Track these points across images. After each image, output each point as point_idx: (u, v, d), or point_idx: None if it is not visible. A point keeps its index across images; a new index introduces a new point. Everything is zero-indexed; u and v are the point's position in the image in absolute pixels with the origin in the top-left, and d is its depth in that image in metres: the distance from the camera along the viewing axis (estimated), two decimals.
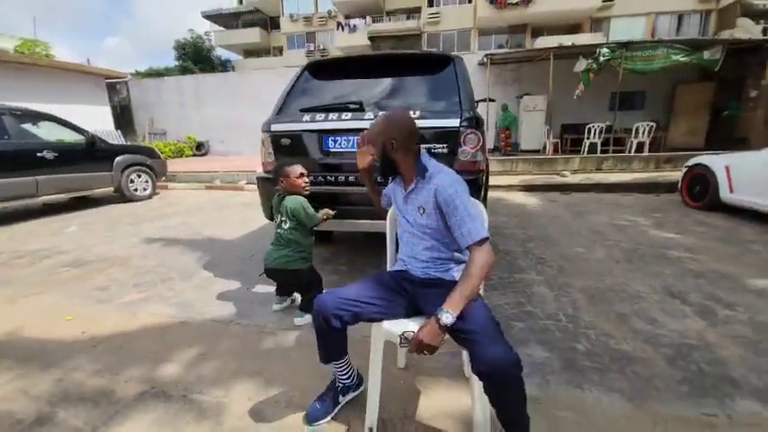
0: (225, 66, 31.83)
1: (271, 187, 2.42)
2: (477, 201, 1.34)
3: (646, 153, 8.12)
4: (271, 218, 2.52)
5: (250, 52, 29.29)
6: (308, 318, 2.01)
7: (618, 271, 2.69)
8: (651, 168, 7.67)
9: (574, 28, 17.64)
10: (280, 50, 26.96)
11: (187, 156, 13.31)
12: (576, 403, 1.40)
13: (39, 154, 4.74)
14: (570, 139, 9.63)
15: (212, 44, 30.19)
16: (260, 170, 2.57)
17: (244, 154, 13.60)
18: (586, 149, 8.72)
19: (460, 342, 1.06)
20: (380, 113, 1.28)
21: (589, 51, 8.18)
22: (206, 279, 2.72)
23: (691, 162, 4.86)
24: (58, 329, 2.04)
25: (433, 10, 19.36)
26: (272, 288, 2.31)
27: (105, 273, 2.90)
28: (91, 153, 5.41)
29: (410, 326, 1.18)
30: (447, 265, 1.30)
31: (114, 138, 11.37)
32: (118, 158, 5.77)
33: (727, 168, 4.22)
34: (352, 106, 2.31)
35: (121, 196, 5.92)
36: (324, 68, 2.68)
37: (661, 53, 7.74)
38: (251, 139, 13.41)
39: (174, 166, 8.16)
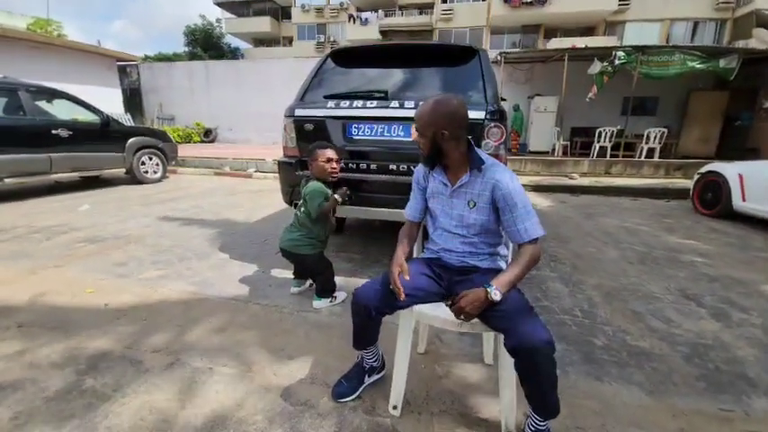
0: (234, 54, 31.72)
1: (292, 172, 2.45)
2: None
3: (656, 159, 8.09)
4: (290, 202, 2.55)
5: (260, 41, 29.20)
6: (325, 301, 2.04)
7: (632, 271, 2.70)
8: (661, 174, 7.65)
9: (588, 30, 17.47)
10: (290, 41, 26.87)
11: (195, 142, 13.34)
12: (596, 393, 1.42)
13: (53, 131, 4.76)
14: (580, 142, 9.60)
15: (222, 31, 30.07)
16: (281, 155, 2.59)
17: (252, 142, 13.63)
18: (596, 153, 8.70)
19: (495, 322, 1.08)
20: (428, 99, 1.22)
21: (604, 54, 8.12)
22: (222, 260, 2.74)
23: (703, 169, 4.85)
24: (81, 301, 2.07)
25: (446, 6, 19.22)
26: (288, 272, 2.34)
27: (122, 249, 2.93)
28: (104, 133, 5.43)
29: (440, 311, 1.20)
30: (483, 255, 1.32)
31: (124, 121, 11.40)
32: (130, 140, 5.79)
33: (741, 176, 4.21)
34: (377, 94, 2.31)
35: (132, 178, 5.95)
36: (347, 56, 2.68)
37: (677, 59, 7.68)
38: (259, 127, 13.59)
39: (183, 151, 8.16)
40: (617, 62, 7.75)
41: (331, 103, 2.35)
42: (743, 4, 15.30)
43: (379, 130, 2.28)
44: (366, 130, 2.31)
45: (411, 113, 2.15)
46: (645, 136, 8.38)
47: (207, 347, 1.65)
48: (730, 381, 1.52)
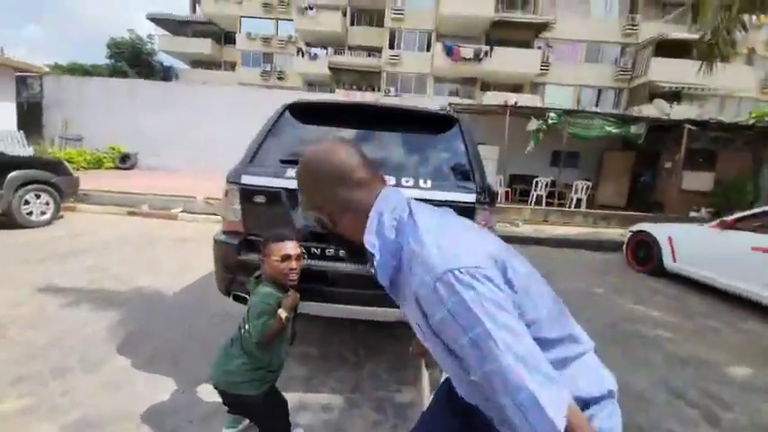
0: (167, 72, 29.45)
1: (232, 255, 1.89)
2: None
3: (584, 209, 8.88)
4: (227, 293, 1.95)
5: (198, 63, 27.57)
6: None
7: (611, 357, 2.55)
8: (590, 223, 8.36)
9: (517, 88, 19.62)
10: (232, 65, 25.78)
11: (108, 168, 11.49)
12: None
13: None
14: (519, 189, 10.26)
15: (155, 48, 27.87)
16: (218, 230, 2.01)
17: (182, 171, 12.20)
18: (534, 201, 9.31)
19: None
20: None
21: (539, 113, 8.92)
22: (121, 370, 1.98)
23: (635, 228, 5.25)
24: None
25: (394, 52, 20.20)
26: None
27: None
28: None
29: None
30: None
31: (14, 139, 9.41)
32: (12, 174, 4.56)
33: (670, 239, 4.59)
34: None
35: (10, 221, 4.64)
36: (309, 112, 2.28)
37: (597, 123, 8.73)
38: (193, 156, 12.28)
39: (88, 181, 6.74)
40: (549, 121, 8.53)
41: (291, 172, 1.88)
42: (637, 77, 18.53)
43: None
44: None
45: None
46: (573, 188, 9.21)
47: None
48: None
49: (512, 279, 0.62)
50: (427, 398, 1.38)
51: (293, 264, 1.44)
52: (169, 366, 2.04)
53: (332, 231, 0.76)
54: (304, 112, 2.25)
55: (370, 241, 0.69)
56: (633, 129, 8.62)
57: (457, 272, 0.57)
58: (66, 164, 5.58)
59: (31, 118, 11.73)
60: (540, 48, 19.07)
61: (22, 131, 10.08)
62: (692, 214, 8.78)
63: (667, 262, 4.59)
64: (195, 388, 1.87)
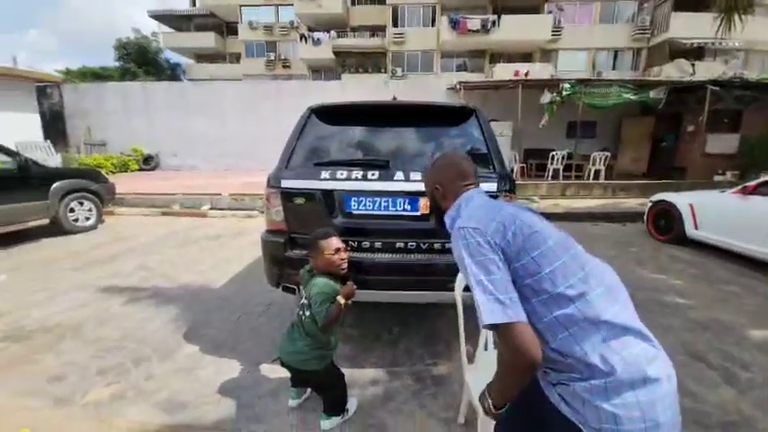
0: (174, 70, 29.70)
1: (280, 251, 2.10)
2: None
3: (603, 180, 8.76)
4: (277, 284, 2.18)
5: (203, 56, 27.63)
6: (336, 420, 1.70)
7: None
8: (609, 195, 8.28)
9: (527, 57, 18.93)
10: (237, 57, 25.74)
11: (133, 170, 11.98)
12: None
13: None
14: (535, 164, 10.15)
15: (161, 46, 28.03)
16: (264, 229, 2.22)
17: (199, 169, 12.60)
18: (550, 175, 9.23)
19: None
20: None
21: (553, 85, 8.71)
22: (192, 357, 2.27)
23: (655, 198, 5.24)
24: None
25: (398, 30, 19.71)
26: (280, 369, 1.96)
27: (56, 350, 2.32)
28: (22, 179, 4.54)
29: None
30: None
31: (43, 150, 9.90)
32: (56, 184, 4.91)
33: (692, 206, 4.59)
34: (377, 162, 2.07)
35: (59, 228, 5.04)
36: (331, 114, 2.42)
37: (614, 91, 8.48)
38: (209, 153, 12.62)
39: (120, 184, 7.13)
40: (564, 93, 8.34)
41: (324, 173, 2.06)
42: (657, 34, 17.56)
43: (383, 203, 2.03)
44: (367, 203, 2.05)
45: (416, 186, 1.95)
46: (591, 159, 9.06)
47: None
48: None
49: (510, 239, 0.87)
50: (466, 367, 1.58)
51: (343, 254, 1.66)
52: (230, 351, 2.31)
53: (434, 204, 1.17)
54: (328, 114, 2.40)
55: (449, 214, 1.08)
56: (652, 94, 8.35)
57: (462, 229, 0.92)
58: (103, 173, 5.93)
59: (54, 127, 12.22)
60: (550, 12, 18.22)
61: (48, 141, 10.58)
62: (717, 178, 8.55)
63: (689, 230, 4.61)
64: (257, 368, 2.14)
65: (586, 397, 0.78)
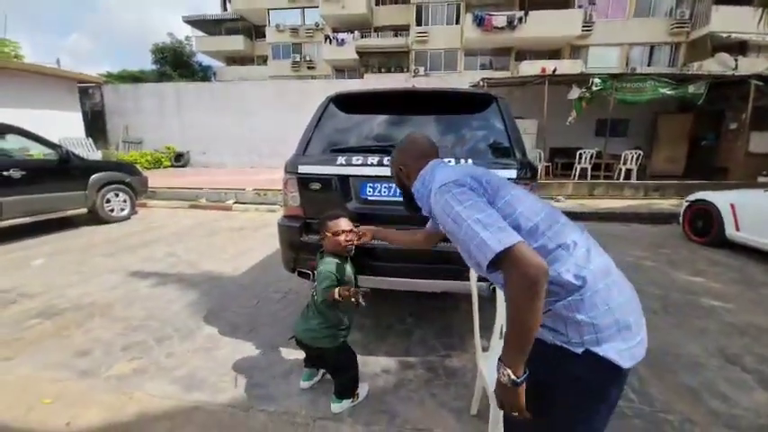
0: (206, 72, 30.87)
1: (295, 236, 2.13)
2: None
3: (634, 180, 8.34)
4: (293, 270, 2.21)
5: (233, 59, 28.65)
6: (346, 403, 1.70)
7: (662, 325, 2.55)
8: (641, 196, 7.86)
9: (555, 54, 18.34)
10: (264, 59, 26.49)
11: (165, 167, 12.57)
12: None
13: (4, 173, 4.18)
14: (561, 163, 9.80)
15: (193, 50, 29.27)
16: (281, 215, 2.26)
17: (227, 166, 13.05)
18: (577, 175, 8.88)
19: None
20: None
21: (582, 80, 8.38)
22: (210, 338, 2.34)
23: (692, 197, 4.92)
24: (37, 418, 1.63)
25: (422, 29, 19.63)
26: (294, 351, 2.00)
27: (84, 328, 2.45)
28: (63, 170, 4.85)
29: None
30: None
31: (84, 146, 10.57)
32: (94, 176, 5.22)
33: (733, 206, 4.28)
34: (392, 149, 2.06)
35: (95, 217, 5.35)
36: (350, 101, 2.43)
37: (649, 86, 8.03)
38: (236, 151, 13.07)
39: (153, 179, 7.54)
40: (594, 88, 8.00)
41: (341, 159, 2.07)
42: (698, 27, 16.54)
43: (398, 189, 2.01)
44: (383, 189, 2.04)
45: None
46: (622, 158, 8.65)
47: None
48: None
49: (486, 186, 0.95)
50: (480, 355, 1.54)
51: (348, 236, 1.67)
52: (247, 334, 2.37)
53: (400, 183, 1.25)
54: (346, 103, 2.41)
55: (416, 187, 1.15)
56: (692, 88, 7.85)
57: (443, 186, 0.96)
58: (137, 167, 6.26)
59: (94, 125, 13.03)
60: (581, 6, 17.55)
61: (90, 138, 11.28)
62: (761, 179, 7.95)
63: (729, 231, 4.30)
64: (272, 350, 2.18)
65: (567, 314, 0.84)
